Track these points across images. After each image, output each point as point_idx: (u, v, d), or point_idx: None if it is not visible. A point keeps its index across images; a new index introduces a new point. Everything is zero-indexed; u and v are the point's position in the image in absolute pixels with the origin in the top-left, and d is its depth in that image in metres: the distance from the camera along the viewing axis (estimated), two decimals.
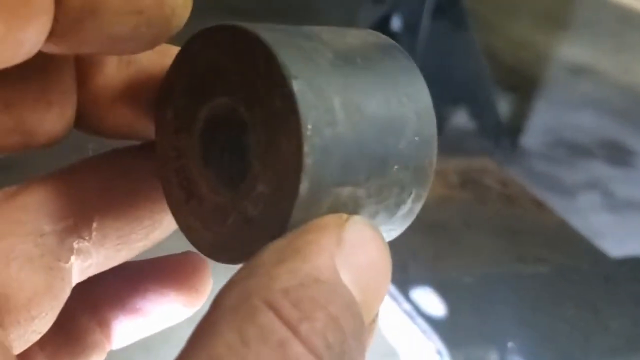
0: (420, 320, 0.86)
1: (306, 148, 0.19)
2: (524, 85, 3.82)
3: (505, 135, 3.19)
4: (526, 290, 0.93)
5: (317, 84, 0.20)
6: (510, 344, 0.86)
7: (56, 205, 0.23)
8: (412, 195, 0.22)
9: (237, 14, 4.18)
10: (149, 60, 0.24)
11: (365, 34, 0.24)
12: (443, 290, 0.90)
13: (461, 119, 3.28)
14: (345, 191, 0.20)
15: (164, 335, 0.30)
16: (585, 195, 2.95)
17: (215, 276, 0.27)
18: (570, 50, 4.28)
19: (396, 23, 3.15)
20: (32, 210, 0.22)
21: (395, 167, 0.22)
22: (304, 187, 0.19)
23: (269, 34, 0.20)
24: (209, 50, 0.22)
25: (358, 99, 0.21)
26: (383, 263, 0.21)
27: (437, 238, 1.04)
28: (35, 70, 0.22)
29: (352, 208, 0.21)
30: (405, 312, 0.88)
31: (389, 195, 0.22)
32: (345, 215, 0.20)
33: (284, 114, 0.19)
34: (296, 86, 0.19)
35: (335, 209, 0.20)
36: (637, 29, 4.71)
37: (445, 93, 3.07)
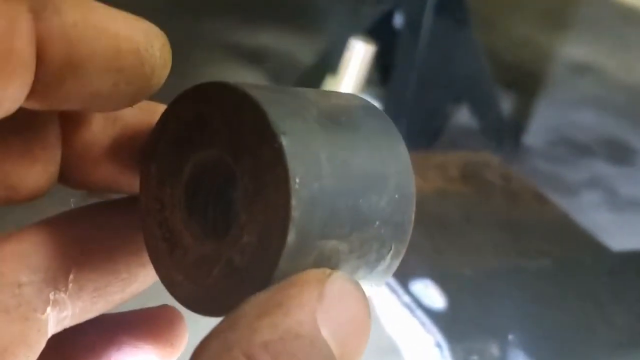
0: (419, 313, 0.85)
1: (294, 201, 0.19)
2: (526, 83, 3.81)
3: (507, 134, 3.18)
4: (528, 283, 0.92)
5: (304, 139, 0.20)
6: (510, 337, 0.85)
7: (35, 257, 0.23)
8: (392, 251, 0.23)
9: (238, 11, 4.17)
10: (135, 118, 0.24)
11: (349, 96, 0.24)
12: (443, 283, 0.89)
13: (463, 117, 3.27)
14: (330, 244, 0.21)
15: None
16: (587, 193, 2.94)
17: (197, 325, 0.27)
18: (573, 48, 4.27)
19: (398, 21, 3.14)
20: (11, 262, 0.22)
21: (377, 222, 0.22)
22: (291, 238, 0.20)
23: (258, 91, 0.21)
24: (197, 105, 0.22)
25: (343, 155, 0.21)
26: (363, 318, 0.21)
27: (437, 231, 1.03)
28: (20, 126, 0.22)
29: (334, 262, 0.21)
30: (405, 304, 0.87)
31: (369, 250, 0.22)
32: (328, 271, 0.21)
33: (272, 166, 0.20)
34: (285, 141, 0.20)
35: (319, 261, 0.21)
36: (639, 27, 4.70)
37: (447, 91, 3.06)
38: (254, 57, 3.71)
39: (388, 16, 3.18)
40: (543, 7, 4.74)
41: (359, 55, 0.97)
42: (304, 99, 0.22)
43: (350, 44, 0.97)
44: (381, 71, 3.50)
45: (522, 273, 0.93)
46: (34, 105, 0.20)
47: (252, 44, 3.84)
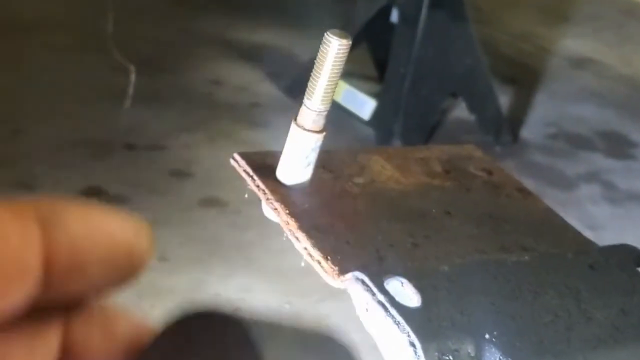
0: (394, 312, 0.83)
1: None
2: (525, 77, 3.78)
3: (505, 128, 3.16)
4: (507, 279, 0.90)
5: None
6: (487, 336, 0.83)
7: None
8: None
9: (236, 9, 4.14)
10: (130, 333, 0.27)
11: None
12: (419, 280, 0.87)
13: (461, 111, 3.25)
14: None
15: None
16: (585, 187, 2.91)
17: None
18: (572, 42, 4.24)
19: (395, 15, 3.12)
20: None
21: None
22: None
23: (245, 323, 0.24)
24: (182, 337, 0.25)
25: None
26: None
27: (416, 227, 1.01)
28: (24, 326, 0.23)
29: None
30: (379, 303, 0.85)
31: None
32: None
33: None
34: None
35: None
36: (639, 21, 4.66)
37: (444, 85, 3.04)
38: (252, 54, 3.69)
39: (386, 11, 3.16)
40: (543, 1, 4.71)
41: (333, 49, 0.94)
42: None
43: (325, 38, 0.94)
44: (378, 67, 3.47)
45: (501, 268, 0.91)
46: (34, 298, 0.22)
47: (250, 41, 3.82)
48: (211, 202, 2.55)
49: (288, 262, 2.23)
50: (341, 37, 0.93)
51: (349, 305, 0.93)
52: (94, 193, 2.52)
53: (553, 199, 2.81)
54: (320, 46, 0.96)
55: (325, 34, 0.94)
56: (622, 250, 1.01)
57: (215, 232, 2.40)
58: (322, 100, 0.97)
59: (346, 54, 0.95)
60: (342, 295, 0.98)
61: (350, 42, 0.94)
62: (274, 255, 2.29)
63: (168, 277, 2.16)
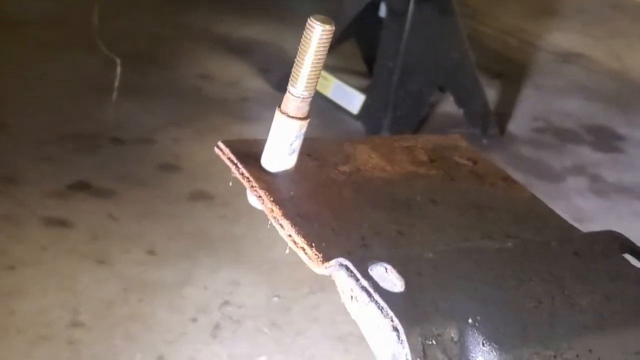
0: (377, 297, 0.83)
1: None
2: (512, 71, 3.79)
3: (492, 121, 3.16)
4: (491, 266, 0.90)
5: None
6: (470, 321, 0.83)
7: None
8: None
9: (226, 4, 4.13)
10: None
11: None
12: (403, 266, 0.87)
13: (449, 105, 3.25)
14: None
15: None
16: (572, 179, 2.92)
17: None
18: (559, 36, 4.25)
19: (383, 10, 3.12)
20: None
21: None
22: None
23: None
24: None
25: None
26: None
27: (401, 214, 1.01)
28: None
29: None
30: (363, 288, 0.85)
31: None
32: None
33: None
34: None
35: None
36: (628, 15, 4.68)
37: (432, 79, 3.04)
38: (242, 49, 3.69)
39: (374, 5, 3.17)
40: None
41: (316, 34, 0.94)
42: None
43: (308, 23, 0.94)
44: (367, 62, 3.48)
45: (485, 255, 0.91)
46: None
47: (239, 35, 3.82)
48: (199, 196, 2.55)
49: (276, 254, 2.23)
50: (324, 22, 0.93)
51: (338, 297, 0.93)
52: (81, 187, 2.51)
53: (540, 191, 2.81)
54: (304, 32, 0.95)
55: (308, 19, 0.94)
56: (607, 237, 1.01)
57: (204, 225, 2.40)
58: (306, 87, 0.96)
59: (330, 40, 0.94)
60: (331, 287, 0.98)
61: (334, 28, 0.94)
62: (263, 247, 2.29)
63: (156, 271, 2.16)
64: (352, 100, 3.05)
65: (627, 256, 0.99)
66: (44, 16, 3.71)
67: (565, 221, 1.07)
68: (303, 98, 0.98)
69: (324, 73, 3.21)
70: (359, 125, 3.04)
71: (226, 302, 2.10)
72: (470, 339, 0.82)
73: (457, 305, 0.84)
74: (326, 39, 0.95)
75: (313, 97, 1.00)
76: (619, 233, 1.03)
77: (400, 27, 2.97)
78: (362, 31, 3.36)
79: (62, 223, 2.32)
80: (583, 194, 2.82)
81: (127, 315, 1.98)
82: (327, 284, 0.96)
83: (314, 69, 0.96)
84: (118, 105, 2.98)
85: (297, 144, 1.00)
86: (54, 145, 2.74)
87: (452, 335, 0.81)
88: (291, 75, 0.98)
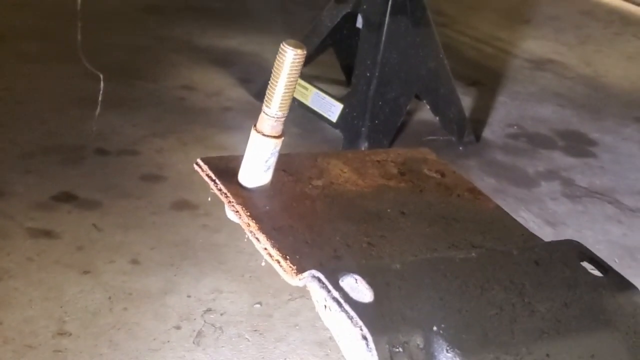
0: (347, 307, 0.87)
1: None
2: (487, 79, 3.85)
3: (468, 128, 3.22)
4: (455, 275, 0.95)
5: None
6: (435, 328, 0.87)
7: None
8: None
9: (208, 17, 4.16)
10: None
11: None
12: (372, 277, 0.91)
13: (426, 113, 3.30)
14: None
15: None
16: (545, 184, 2.98)
17: None
18: (533, 43, 4.31)
19: (360, 21, 3.17)
20: None
21: None
22: None
23: None
24: None
25: None
26: None
27: (371, 226, 1.05)
28: None
29: None
30: (334, 299, 0.89)
31: None
32: None
33: None
34: None
35: None
36: (599, 22, 4.75)
37: (408, 87, 3.09)
38: (223, 60, 3.73)
39: (351, 17, 3.21)
40: (504, 4, 4.78)
41: (289, 58, 0.99)
42: None
43: (280, 48, 0.99)
44: (345, 71, 3.52)
45: (449, 265, 0.96)
46: None
47: (221, 47, 3.86)
48: (183, 206, 2.59)
49: (258, 263, 2.27)
50: (296, 47, 0.98)
51: None
52: (66, 198, 2.54)
53: (514, 196, 2.89)
54: (277, 56, 1.01)
55: (281, 44, 0.99)
56: (566, 246, 1.06)
57: (187, 234, 2.44)
58: (280, 107, 1.02)
59: (301, 63, 1.00)
60: (311, 294, 1.02)
61: (305, 52, 0.99)
62: (245, 256, 2.33)
63: (140, 280, 2.19)
64: (331, 108, 3.10)
65: (585, 264, 1.04)
66: (29, 30, 3.74)
67: (527, 230, 1.12)
68: (277, 118, 1.03)
69: (303, 82, 3.25)
70: (338, 133, 3.08)
71: (209, 310, 2.14)
72: (435, 345, 0.86)
73: (423, 314, 0.89)
74: (298, 62, 1.00)
75: (293, 107, 1.05)
76: (578, 242, 1.07)
77: (377, 38, 3.02)
78: (341, 41, 3.41)
79: (47, 234, 2.35)
80: (556, 198, 2.88)
81: (112, 324, 2.02)
82: (307, 291, 1.01)
83: (287, 91, 1.01)
84: (102, 117, 3.01)
85: (272, 160, 1.05)
86: (39, 157, 2.78)
87: (418, 342, 0.86)
88: (265, 97, 1.02)
